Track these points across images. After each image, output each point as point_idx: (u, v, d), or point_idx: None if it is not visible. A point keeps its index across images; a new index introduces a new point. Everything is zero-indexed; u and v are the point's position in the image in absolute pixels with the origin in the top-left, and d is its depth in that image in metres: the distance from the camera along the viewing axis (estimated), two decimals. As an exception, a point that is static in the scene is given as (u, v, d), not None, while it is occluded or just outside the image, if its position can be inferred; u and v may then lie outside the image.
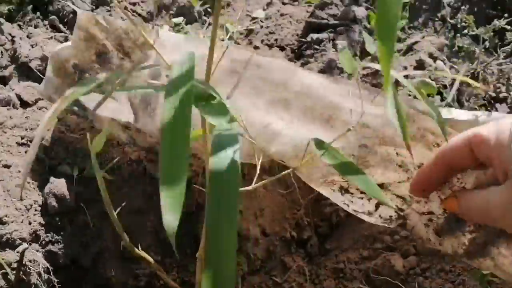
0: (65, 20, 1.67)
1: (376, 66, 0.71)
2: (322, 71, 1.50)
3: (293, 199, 1.33)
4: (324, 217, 1.33)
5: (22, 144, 1.22)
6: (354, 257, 1.28)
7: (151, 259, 0.99)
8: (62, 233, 1.14)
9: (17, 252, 1.05)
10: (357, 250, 1.28)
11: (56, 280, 1.11)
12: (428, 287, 1.15)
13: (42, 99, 1.33)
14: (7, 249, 1.05)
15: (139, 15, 1.85)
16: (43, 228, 1.12)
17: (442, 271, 1.17)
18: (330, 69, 1.51)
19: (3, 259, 1.02)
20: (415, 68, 1.59)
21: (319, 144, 0.65)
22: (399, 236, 1.25)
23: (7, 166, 1.16)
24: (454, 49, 1.70)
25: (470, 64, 1.60)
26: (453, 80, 1.54)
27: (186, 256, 1.28)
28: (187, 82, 0.54)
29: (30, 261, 1.06)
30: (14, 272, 1.03)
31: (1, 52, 1.41)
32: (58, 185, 1.14)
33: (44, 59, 1.39)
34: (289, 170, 0.88)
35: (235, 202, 0.48)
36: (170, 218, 0.44)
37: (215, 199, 0.48)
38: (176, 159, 0.46)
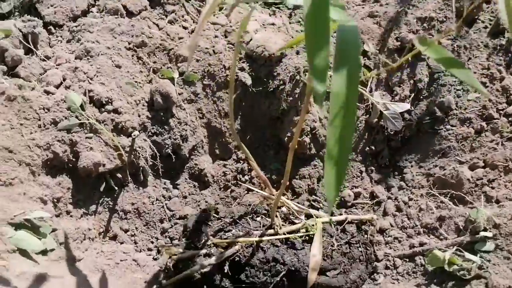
0: None
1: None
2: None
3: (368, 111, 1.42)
4: (397, 131, 1.40)
5: (129, 49, 1.36)
6: (423, 168, 1.37)
7: (247, 150, 1.11)
8: (165, 126, 1.29)
9: (134, 135, 1.22)
10: (426, 162, 1.37)
11: (160, 165, 1.28)
12: (494, 196, 1.22)
13: (146, 10, 1.46)
14: (122, 135, 1.23)
15: None
16: (149, 121, 1.28)
17: (509, 182, 1.23)
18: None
19: (119, 142, 1.20)
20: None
21: (422, 40, 0.71)
22: (468, 150, 1.31)
23: (118, 66, 1.31)
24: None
25: None
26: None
27: (269, 157, 1.41)
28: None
29: (139, 147, 1.24)
30: (127, 154, 1.21)
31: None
32: (163, 84, 1.29)
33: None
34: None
35: (358, 69, 0.59)
36: (319, 85, 0.56)
37: (341, 65, 0.59)
38: (319, 36, 0.57)
